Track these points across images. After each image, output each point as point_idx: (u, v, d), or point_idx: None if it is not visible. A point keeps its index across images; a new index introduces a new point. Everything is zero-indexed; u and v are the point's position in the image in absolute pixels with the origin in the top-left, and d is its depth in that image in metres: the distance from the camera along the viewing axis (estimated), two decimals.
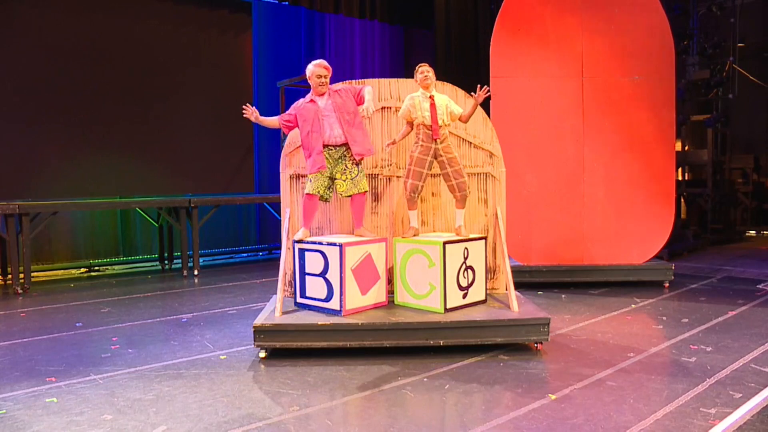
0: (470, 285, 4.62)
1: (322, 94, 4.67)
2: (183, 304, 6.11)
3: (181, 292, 6.81)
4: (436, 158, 4.66)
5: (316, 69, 4.66)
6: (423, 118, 4.64)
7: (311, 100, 4.67)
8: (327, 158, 4.61)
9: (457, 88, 5.15)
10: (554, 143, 6.59)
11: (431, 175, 4.89)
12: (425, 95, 4.67)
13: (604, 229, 6.61)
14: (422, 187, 4.69)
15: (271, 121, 4.76)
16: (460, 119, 4.75)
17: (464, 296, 4.59)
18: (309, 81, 4.69)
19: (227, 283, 7.30)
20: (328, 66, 4.72)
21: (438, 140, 4.62)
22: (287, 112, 4.75)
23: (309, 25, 10.53)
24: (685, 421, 3.13)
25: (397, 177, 5.10)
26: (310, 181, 4.62)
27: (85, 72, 8.00)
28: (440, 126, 4.62)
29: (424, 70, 4.71)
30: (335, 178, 4.67)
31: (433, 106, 4.64)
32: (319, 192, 4.61)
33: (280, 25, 10.24)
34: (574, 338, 4.67)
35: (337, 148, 4.63)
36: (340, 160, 4.64)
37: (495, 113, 6.42)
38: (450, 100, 4.77)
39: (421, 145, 4.66)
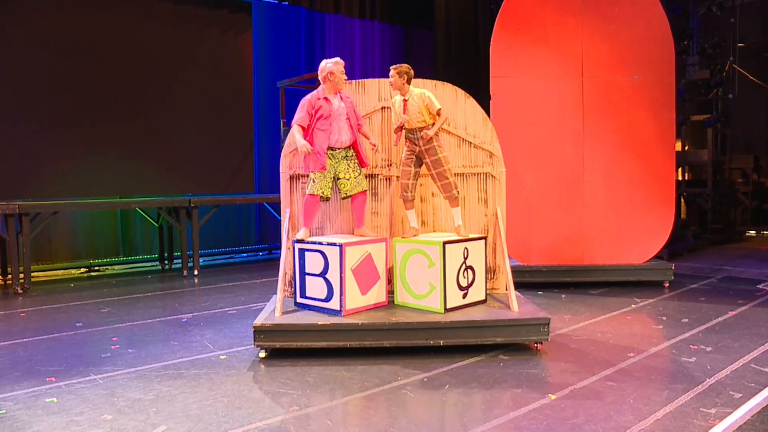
0: (470, 285, 4.62)
1: (336, 93, 4.67)
2: (183, 304, 6.11)
3: (181, 292, 6.82)
4: (421, 158, 4.69)
5: (339, 67, 4.66)
6: (405, 122, 4.69)
7: (325, 98, 4.63)
8: (330, 158, 4.63)
9: (456, 88, 5.15)
10: (554, 143, 6.59)
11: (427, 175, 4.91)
12: (401, 98, 4.69)
13: (604, 229, 6.61)
14: (413, 185, 4.71)
15: (297, 131, 4.54)
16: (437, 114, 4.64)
17: (464, 296, 4.58)
18: (329, 77, 4.63)
19: (227, 283, 7.30)
20: (342, 63, 4.74)
21: (421, 143, 4.64)
22: (301, 115, 4.59)
23: (309, 25, 10.53)
24: (685, 421, 3.13)
25: (397, 177, 5.10)
26: (314, 181, 4.61)
27: (85, 72, 8.00)
28: (413, 128, 4.62)
29: (389, 75, 4.67)
30: (338, 178, 4.69)
31: (404, 109, 4.65)
32: (324, 192, 4.63)
33: (280, 25, 10.24)
34: (574, 338, 4.67)
35: (342, 150, 4.66)
36: (343, 160, 4.67)
37: (495, 113, 6.42)
38: (429, 95, 4.62)
39: (407, 147, 4.74)
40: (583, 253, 6.62)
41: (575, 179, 6.60)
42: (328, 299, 4.44)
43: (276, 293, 4.73)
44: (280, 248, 5.35)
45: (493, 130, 5.17)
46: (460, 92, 5.14)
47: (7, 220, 6.83)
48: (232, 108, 9.35)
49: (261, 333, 4.17)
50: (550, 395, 3.50)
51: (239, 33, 9.39)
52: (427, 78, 5.32)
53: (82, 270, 8.40)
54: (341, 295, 4.35)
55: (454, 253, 4.50)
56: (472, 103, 5.14)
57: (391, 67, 4.66)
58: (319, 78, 4.73)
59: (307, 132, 4.62)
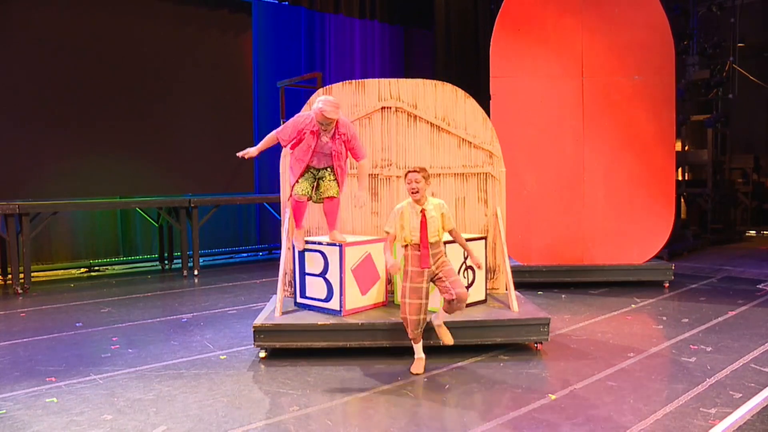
0: (470, 285, 4.62)
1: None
2: (183, 304, 6.11)
3: (181, 292, 6.81)
4: (433, 280, 3.83)
5: (326, 109, 4.16)
6: (412, 237, 3.79)
7: (312, 131, 4.29)
8: (308, 170, 4.47)
9: (456, 88, 5.15)
10: (554, 143, 6.59)
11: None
12: (415, 209, 3.80)
13: (604, 229, 6.61)
14: (424, 320, 3.81)
15: (269, 140, 4.39)
16: (450, 233, 3.94)
17: None
18: (312, 113, 4.25)
19: (227, 283, 7.30)
20: (338, 105, 4.26)
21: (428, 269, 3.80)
22: (282, 129, 4.38)
23: (309, 25, 10.53)
24: (685, 421, 3.13)
25: (397, 177, 5.10)
26: (298, 182, 4.49)
27: (85, 72, 8.00)
28: (429, 253, 3.78)
29: (412, 178, 3.76)
30: (322, 179, 4.48)
31: (423, 223, 3.77)
32: (307, 193, 4.46)
33: (280, 25, 10.23)
34: (574, 338, 4.67)
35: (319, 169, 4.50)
36: (322, 170, 4.48)
37: (495, 113, 6.42)
38: (445, 206, 3.91)
39: (413, 271, 3.80)
40: (583, 253, 6.62)
41: (575, 179, 6.60)
42: (328, 299, 4.44)
43: (276, 293, 4.72)
44: (280, 248, 5.35)
45: (493, 130, 5.17)
46: (460, 92, 5.13)
47: (7, 220, 6.83)
48: (232, 108, 9.35)
49: (261, 333, 4.17)
50: (550, 395, 3.50)
51: (239, 33, 9.39)
52: (427, 78, 5.33)
53: (82, 270, 8.40)
54: (341, 295, 4.35)
55: (454, 253, 4.49)
56: (472, 103, 5.14)
57: (409, 172, 3.77)
58: None
59: (292, 154, 4.45)
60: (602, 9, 6.60)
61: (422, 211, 3.78)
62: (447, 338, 3.92)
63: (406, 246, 3.84)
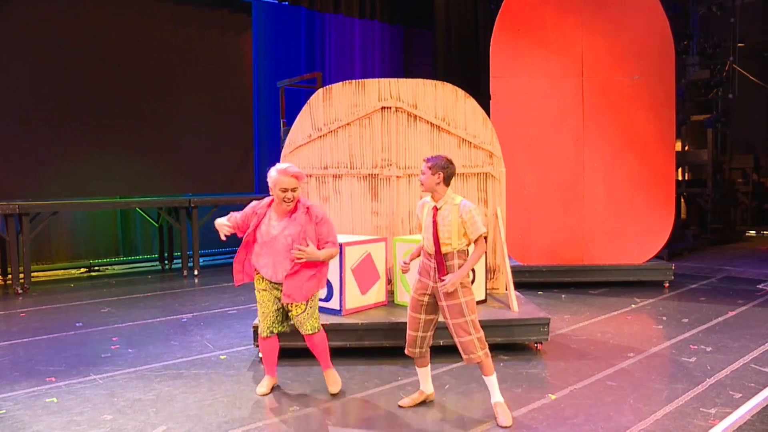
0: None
1: (286, 213, 3.45)
2: (183, 304, 6.11)
3: (181, 292, 6.81)
4: (437, 300, 3.27)
5: (281, 179, 3.34)
6: (424, 240, 3.28)
7: (266, 214, 3.48)
8: (269, 286, 3.55)
9: (456, 88, 5.15)
10: (554, 143, 6.59)
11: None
12: (431, 204, 3.26)
13: (604, 229, 6.61)
14: (422, 339, 3.33)
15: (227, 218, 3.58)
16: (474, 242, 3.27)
17: None
18: (270, 191, 3.43)
19: (227, 283, 7.29)
20: (299, 174, 3.40)
21: (439, 280, 3.19)
22: (238, 214, 3.59)
23: (309, 25, 10.53)
24: (685, 421, 3.13)
25: (397, 177, 5.10)
26: (259, 321, 3.62)
27: (86, 72, 8.00)
28: (442, 263, 3.16)
29: (422, 169, 3.20)
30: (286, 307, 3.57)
31: (435, 223, 3.17)
32: (273, 331, 3.60)
33: (280, 25, 10.24)
34: (574, 338, 4.67)
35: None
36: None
37: (495, 113, 6.42)
38: (472, 210, 3.21)
39: (419, 280, 3.29)
40: (583, 253, 6.62)
41: (575, 179, 6.60)
42: (327, 299, 4.44)
43: None
44: None
45: (493, 130, 5.17)
46: (460, 92, 5.13)
47: (7, 220, 6.82)
48: (232, 108, 9.35)
49: None
50: (550, 395, 3.50)
51: (239, 33, 9.39)
52: (427, 78, 5.33)
53: (82, 270, 8.40)
54: (341, 294, 4.35)
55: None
56: (472, 103, 5.14)
57: (423, 159, 3.24)
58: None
59: (247, 246, 3.52)
60: (602, 9, 6.60)
61: (434, 208, 3.19)
62: (501, 419, 3.13)
63: (419, 249, 3.34)
